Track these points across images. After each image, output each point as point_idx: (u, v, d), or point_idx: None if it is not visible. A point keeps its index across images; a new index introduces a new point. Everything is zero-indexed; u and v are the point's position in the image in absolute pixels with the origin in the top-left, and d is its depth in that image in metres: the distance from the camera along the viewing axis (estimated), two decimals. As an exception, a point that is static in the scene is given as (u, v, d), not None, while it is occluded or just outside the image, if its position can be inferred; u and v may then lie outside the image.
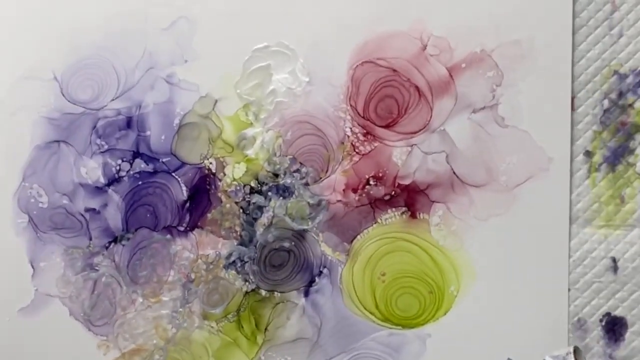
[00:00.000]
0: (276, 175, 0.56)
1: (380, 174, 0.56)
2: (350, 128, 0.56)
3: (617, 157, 0.55)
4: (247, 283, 0.56)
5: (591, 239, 0.55)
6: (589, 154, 0.55)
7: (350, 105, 0.56)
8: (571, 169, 0.55)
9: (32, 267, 0.56)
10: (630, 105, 0.55)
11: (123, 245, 0.56)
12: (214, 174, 0.56)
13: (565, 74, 0.55)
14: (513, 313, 0.55)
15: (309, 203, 0.56)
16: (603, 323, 0.55)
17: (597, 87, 0.55)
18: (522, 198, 0.55)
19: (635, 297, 0.55)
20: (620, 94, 0.55)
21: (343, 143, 0.56)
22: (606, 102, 0.55)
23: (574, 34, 0.55)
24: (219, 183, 0.56)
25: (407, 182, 0.56)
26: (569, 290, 0.55)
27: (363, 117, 0.56)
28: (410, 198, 0.56)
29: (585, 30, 0.55)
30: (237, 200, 0.56)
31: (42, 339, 0.55)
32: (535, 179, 0.55)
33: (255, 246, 0.56)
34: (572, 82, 0.55)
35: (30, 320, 0.56)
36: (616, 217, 0.55)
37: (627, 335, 0.55)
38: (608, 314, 0.55)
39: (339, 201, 0.56)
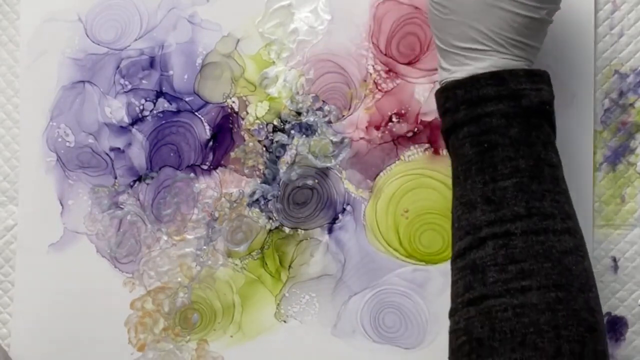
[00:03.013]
0: (299, 114, 0.56)
1: (403, 111, 0.56)
2: (373, 66, 0.56)
3: (617, 156, 0.55)
4: (270, 221, 0.56)
5: (592, 239, 0.55)
6: None
7: (373, 43, 0.56)
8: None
9: (61, 204, 0.57)
10: (631, 105, 0.55)
11: (147, 184, 0.56)
12: (236, 113, 0.56)
13: (589, 11, 0.55)
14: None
15: (331, 141, 0.56)
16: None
17: (597, 87, 0.55)
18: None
19: (635, 297, 0.55)
20: (621, 94, 0.55)
21: (365, 81, 0.56)
22: (607, 102, 0.55)
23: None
24: (242, 122, 0.56)
25: (429, 118, 0.56)
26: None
27: (385, 55, 0.56)
28: (433, 134, 0.56)
29: (586, 30, 0.55)
30: (260, 139, 0.56)
31: (71, 275, 0.56)
32: (558, 114, 0.55)
33: (279, 184, 0.56)
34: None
35: (59, 256, 0.56)
36: (616, 217, 0.55)
37: (628, 334, 0.55)
38: (608, 313, 0.55)
39: (361, 138, 0.56)
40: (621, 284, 0.55)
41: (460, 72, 0.45)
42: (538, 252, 0.42)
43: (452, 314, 0.44)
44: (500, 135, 0.43)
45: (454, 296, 0.44)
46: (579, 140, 0.55)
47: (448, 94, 0.45)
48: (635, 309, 0.55)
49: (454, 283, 0.45)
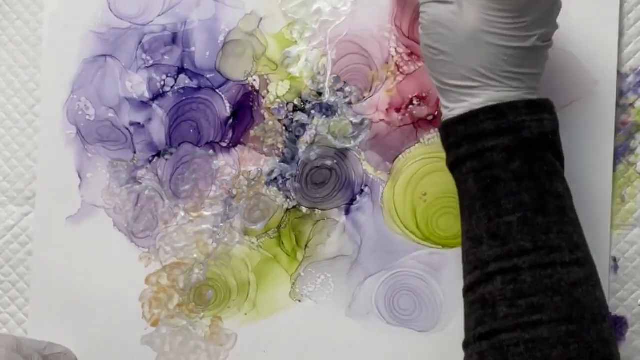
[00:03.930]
0: (320, 94, 0.56)
1: (424, 94, 0.56)
2: (395, 48, 0.56)
3: (617, 156, 0.55)
4: (288, 200, 0.56)
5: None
6: None
7: (395, 26, 0.56)
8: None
9: (80, 177, 0.57)
10: (631, 105, 0.55)
11: (166, 160, 0.57)
12: (257, 91, 0.56)
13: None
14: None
15: (351, 122, 0.56)
16: None
17: None
18: (567, 120, 0.55)
19: (635, 297, 0.55)
20: (621, 94, 0.55)
21: (387, 63, 0.56)
22: None
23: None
24: (262, 100, 0.56)
25: (450, 102, 0.55)
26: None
27: (408, 37, 0.56)
28: (454, 118, 0.56)
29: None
30: (280, 118, 0.56)
31: (88, 249, 0.56)
32: (581, 101, 0.55)
33: (297, 164, 0.56)
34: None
35: (76, 229, 0.57)
36: (616, 217, 0.55)
37: (628, 334, 0.55)
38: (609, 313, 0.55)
39: (381, 120, 0.56)
40: (621, 284, 0.55)
41: (459, 108, 0.45)
42: (547, 286, 0.42)
43: (466, 346, 0.45)
44: (502, 170, 0.43)
45: (467, 329, 0.45)
46: (599, 134, 0.55)
47: (449, 130, 0.46)
48: (635, 309, 0.55)
49: (466, 316, 0.45)
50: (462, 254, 0.46)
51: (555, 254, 0.42)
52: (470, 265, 0.45)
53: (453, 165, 0.46)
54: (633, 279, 0.55)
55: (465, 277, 0.46)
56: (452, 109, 0.46)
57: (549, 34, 0.46)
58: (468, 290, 0.45)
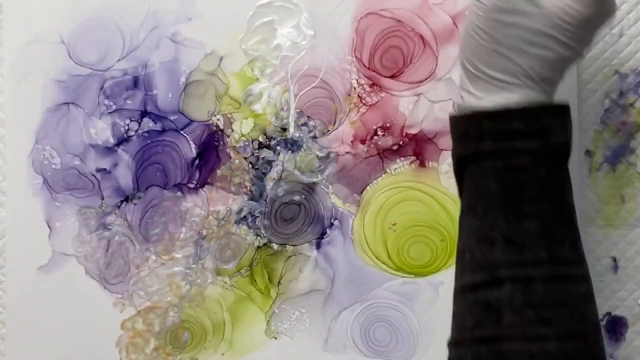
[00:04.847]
0: (284, 130, 0.56)
1: (388, 124, 0.56)
2: (357, 80, 0.56)
3: (617, 156, 0.55)
4: (258, 237, 0.56)
5: (592, 239, 0.55)
6: (589, 154, 0.55)
7: (356, 57, 0.56)
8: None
9: (49, 226, 0.57)
10: (631, 105, 0.55)
11: (134, 204, 0.56)
12: (222, 131, 0.56)
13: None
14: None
15: (317, 156, 0.56)
16: (604, 323, 0.55)
17: (598, 87, 0.55)
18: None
19: (635, 297, 0.55)
20: (621, 94, 0.55)
21: (350, 95, 0.56)
22: (607, 102, 0.55)
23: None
24: (227, 139, 0.56)
25: (414, 131, 0.56)
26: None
27: (369, 69, 0.56)
28: (419, 147, 0.56)
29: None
30: (246, 156, 0.56)
31: (61, 298, 0.56)
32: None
33: (266, 200, 0.56)
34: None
35: (48, 279, 0.56)
36: (617, 217, 0.55)
37: (628, 334, 0.55)
38: (609, 313, 0.55)
39: (347, 153, 0.56)
40: (621, 284, 0.55)
41: (489, 101, 0.43)
42: (558, 299, 0.41)
43: (456, 345, 0.43)
44: (528, 175, 0.42)
45: (459, 328, 0.43)
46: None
47: (472, 120, 0.43)
48: (635, 309, 0.55)
49: (460, 315, 0.43)
50: (462, 248, 0.44)
51: (568, 267, 0.42)
52: (474, 263, 0.43)
53: (467, 159, 0.44)
54: (633, 279, 0.55)
55: (463, 273, 0.44)
56: (481, 98, 0.43)
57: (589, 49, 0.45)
58: (468, 290, 0.43)
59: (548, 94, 0.43)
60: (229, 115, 0.56)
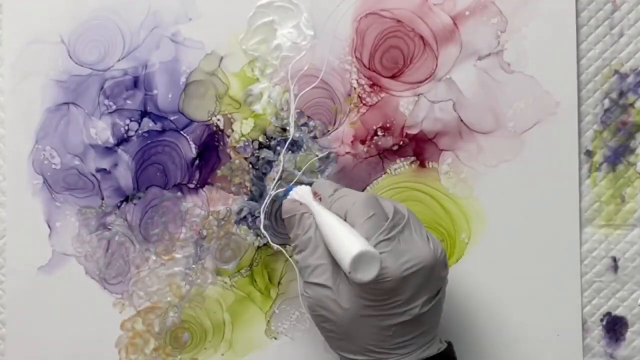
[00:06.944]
0: (284, 130, 0.56)
1: (388, 125, 0.56)
2: (357, 80, 0.56)
3: (617, 156, 0.55)
4: (258, 238, 0.56)
5: (592, 239, 0.55)
6: (589, 154, 0.56)
7: (356, 57, 0.56)
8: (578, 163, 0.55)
9: (49, 226, 0.56)
10: (631, 105, 0.55)
11: (134, 204, 0.56)
12: (222, 131, 0.56)
13: (570, 12, 0.55)
14: (524, 258, 0.55)
15: (317, 156, 0.56)
16: (604, 323, 0.55)
17: (597, 87, 0.56)
18: (530, 143, 0.55)
19: (635, 297, 0.55)
20: (621, 94, 0.55)
21: (350, 95, 0.56)
22: (607, 102, 0.56)
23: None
24: (228, 139, 0.56)
25: (414, 131, 0.56)
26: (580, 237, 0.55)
27: (369, 69, 0.56)
28: (419, 147, 0.56)
29: (586, 30, 0.56)
30: (246, 156, 0.56)
31: (61, 298, 0.56)
32: (543, 123, 0.55)
33: (266, 201, 0.56)
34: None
35: (49, 279, 0.56)
36: (617, 217, 0.55)
37: (628, 335, 0.55)
38: (609, 313, 0.55)
39: (347, 153, 0.56)
40: (621, 284, 0.55)
41: None
42: None
43: None
44: None
45: None
46: (564, 154, 0.55)
47: None
48: (635, 309, 0.55)
49: None
50: None
51: None
52: None
53: None
54: (633, 279, 0.55)
55: None
56: None
57: (432, 296, 0.46)
58: None
59: (413, 353, 0.45)
60: (229, 116, 0.56)
